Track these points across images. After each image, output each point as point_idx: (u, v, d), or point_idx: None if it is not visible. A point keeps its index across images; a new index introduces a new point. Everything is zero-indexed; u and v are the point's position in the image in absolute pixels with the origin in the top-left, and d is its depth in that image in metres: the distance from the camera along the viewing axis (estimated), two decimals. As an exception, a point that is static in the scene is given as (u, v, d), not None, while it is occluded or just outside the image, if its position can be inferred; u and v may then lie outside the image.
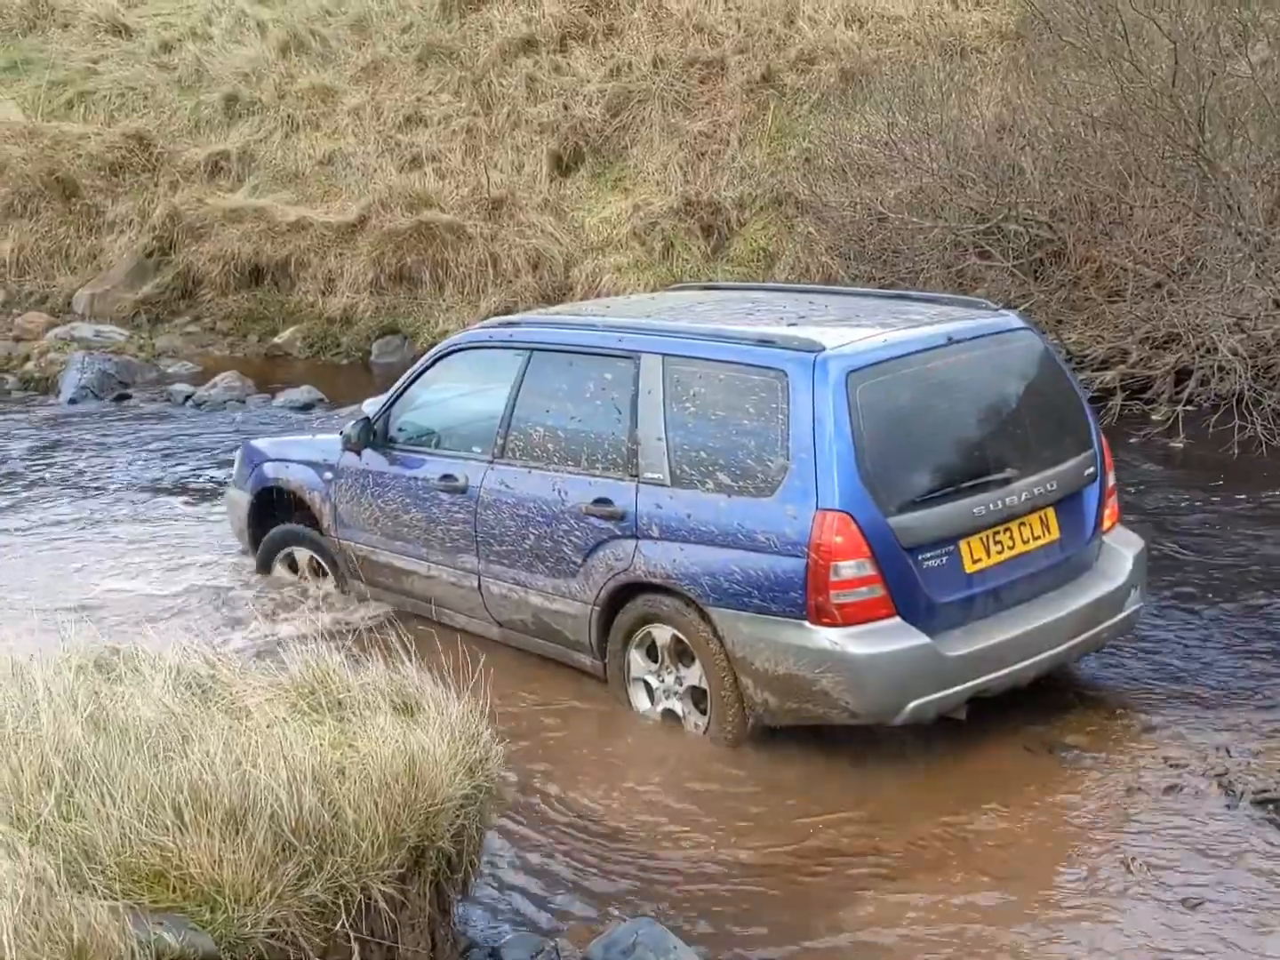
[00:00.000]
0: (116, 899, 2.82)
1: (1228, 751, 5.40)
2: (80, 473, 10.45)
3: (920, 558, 5.29)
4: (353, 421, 7.04)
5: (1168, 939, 4.32)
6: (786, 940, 4.44)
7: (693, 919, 4.55)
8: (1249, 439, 9.15)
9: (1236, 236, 10.13)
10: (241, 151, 16.38)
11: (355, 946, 3.07)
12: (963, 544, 5.40)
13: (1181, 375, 10.18)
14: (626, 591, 5.80)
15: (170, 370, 14.10)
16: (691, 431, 5.63)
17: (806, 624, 5.22)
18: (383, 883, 3.30)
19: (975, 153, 11.63)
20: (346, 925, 3.07)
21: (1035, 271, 11.37)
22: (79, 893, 2.78)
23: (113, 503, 9.57)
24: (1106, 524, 6.03)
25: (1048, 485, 5.67)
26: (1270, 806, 5.02)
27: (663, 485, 5.67)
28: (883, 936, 4.41)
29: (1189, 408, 9.84)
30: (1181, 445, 9.55)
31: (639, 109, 14.78)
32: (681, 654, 5.72)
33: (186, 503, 9.51)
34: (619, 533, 5.77)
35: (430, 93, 15.94)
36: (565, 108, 15.04)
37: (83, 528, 8.93)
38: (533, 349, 6.38)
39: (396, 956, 3.56)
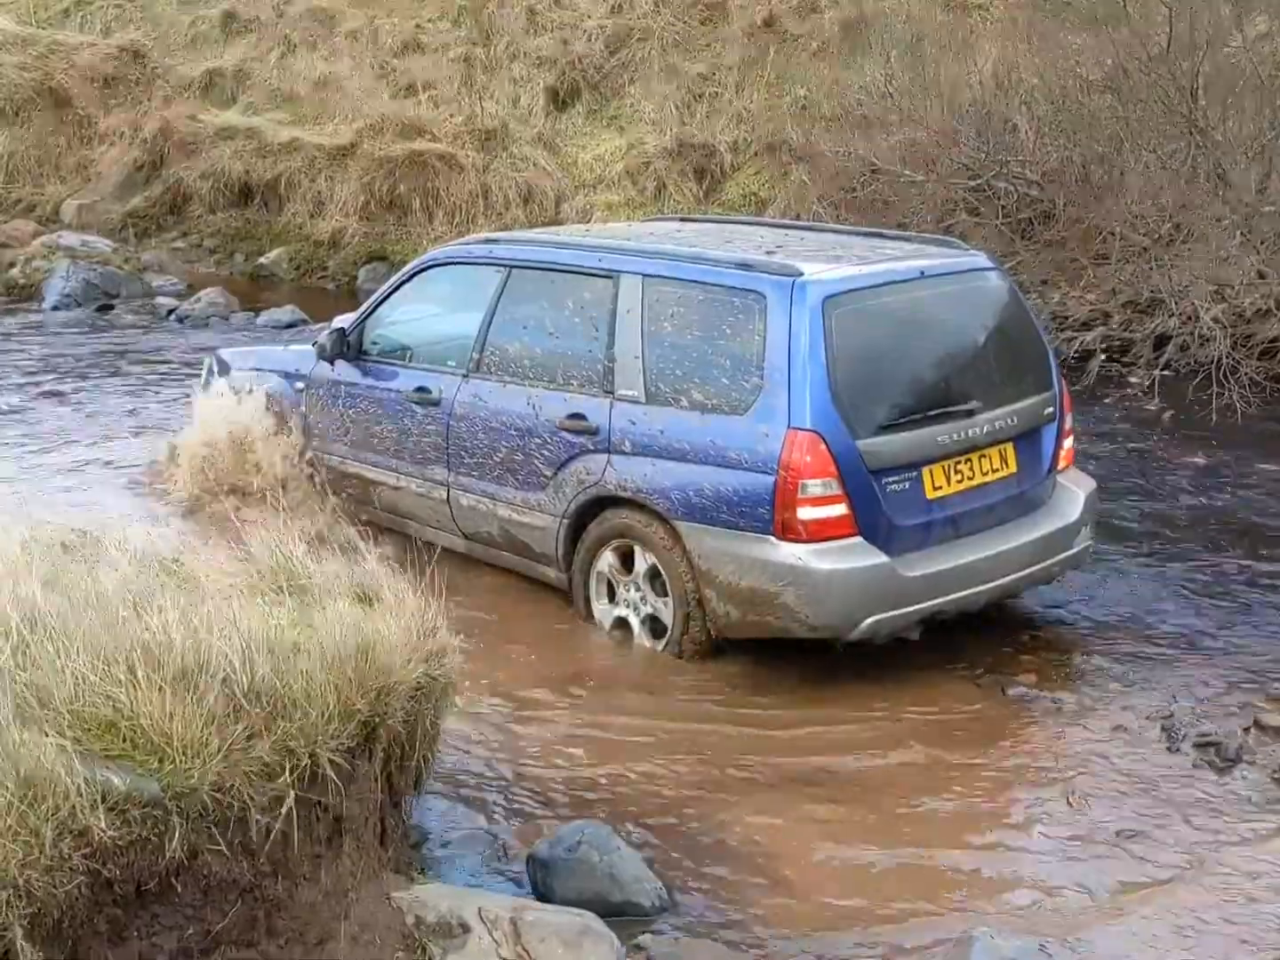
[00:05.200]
0: (67, 742, 2.88)
1: (1174, 696, 5.49)
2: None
3: (884, 481, 5.41)
4: (327, 332, 7.07)
5: (1097, 867, 4.42)
6: (726, 845, 4.52)
7: (637, 823, 4.62)
8: (1225, 405, 9.22)
9: (1224, 206, 10.17)
10: (236, 69, 16.28)
11: (292, 802, 3.13)
12: (925, 471, 5.52)
13: (1161, 340, 10.24)
14: (596, 505, 5.87)
15: (155, 284, 14.03)
16: (668, 350, 5.70)
17: (772, 539, 5.33)
18: (331, 751, 3.36)
19: (971, 109, 11.65)
20: (287, 788, 3.13)
21: (1023, 231, 11.41)
22: (29, 732, 2.84)
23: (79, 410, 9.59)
24: (1062, 463, 6.19)
25: (1008, 420, 5.80)
26: (1210, 750, 5.11)
27: (637, 402, 5.74)
28: (817, 854, 4.49)
29: (1166, 373, 9.90)
30: (1156, 408, 9.61)
31: (638, 47, 14.74)
32: (654, 577, 5.78)
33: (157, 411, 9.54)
34: (591, 447, 5.84)
35: (429, 20, 15.86)
36: (564, 42, 14.99)
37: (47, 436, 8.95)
38: (512, 266, 6.42)
39: (342, 830, 3.63)
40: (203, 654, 3.28)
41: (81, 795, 2.78)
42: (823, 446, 5.25)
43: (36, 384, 10.23)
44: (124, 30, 17.18)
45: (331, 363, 6.99)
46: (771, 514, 5.31)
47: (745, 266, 5.62)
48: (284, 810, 3.19)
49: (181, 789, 2.99)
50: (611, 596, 5.98)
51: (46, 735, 2.87)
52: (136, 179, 15.85)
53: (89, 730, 3.03)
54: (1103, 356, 10.26)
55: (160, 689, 3.11)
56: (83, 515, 5.70)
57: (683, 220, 8.07)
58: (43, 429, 8.99)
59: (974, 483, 5.71)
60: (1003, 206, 11.32)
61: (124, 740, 3.03)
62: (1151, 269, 10.37)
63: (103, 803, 2.85)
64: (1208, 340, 9.71)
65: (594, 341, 5.94)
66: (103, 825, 2.83)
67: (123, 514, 4.96)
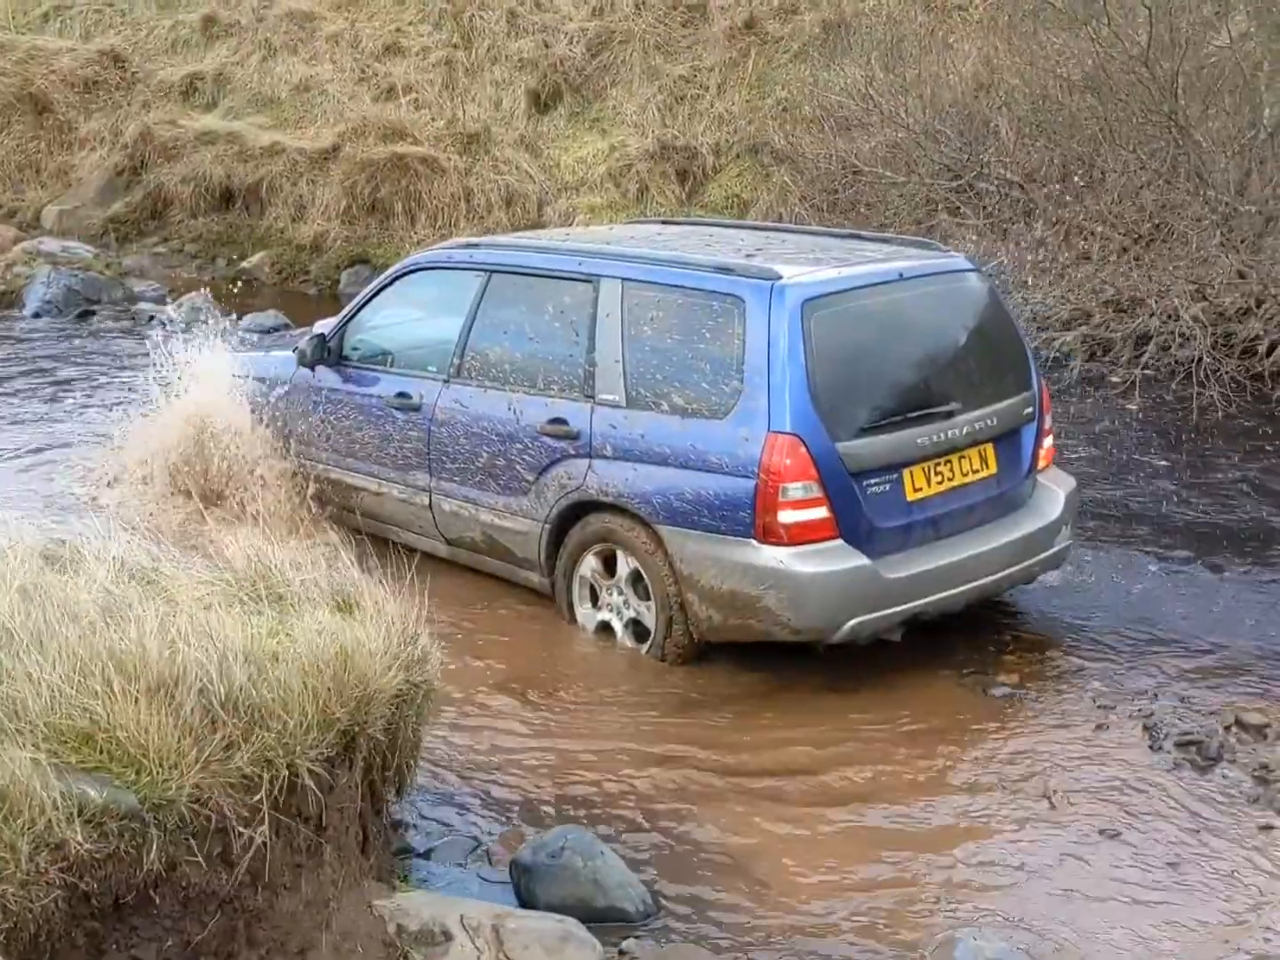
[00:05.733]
0: (43, 754, 2.86)
1: (1155, 695, 5.51)
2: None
3: (865, 483, 5.42)
4: (307, 337, 7.05)
5: (1080, 867, 4.43)
6: (710, 851, 4.52)
7: (621, 829, 4.62)
8: (1206, 405, 9.25)
9: (1204, 205, 10.20)
10: (217, 74, 16.26)
11: (267, 815, 3.11)
12: (905, 473, 5.53)
13: (1142, 340, 10.25)
14: (578, 510, 5.87)
15: (136, 289, 13.97)
16: (648, 355, 5.70)
17: (754, 542, 5.33)
18: (310, 761, 3.34)
19: (951, 109, 11.68)
20: (265, 799, 3.11)
21: (1004, 231, 11.42)
22: (3, 745, 2.82)
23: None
24: (1041, 463, 6.21)
25: (988, 421, 5.82)
26: (1192, 749, 5.13)
27: (618, 407, 5.73)
28: (801, 860, 4.48)
29: (1147, 372, 9.92)
30: (1137, 407, 9.62)
31: (620, 50, 14.75)
32: (636, 581, 5.79)
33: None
34: (573, 452, 5.83)
35: (410, 23, 15.85)
36: (546, 45, 14.98)
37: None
38: (492, 271, 6.41)
39: (323, 839, 3.61)
40: (179, 664, 3.26)
41: (58, 808, 2.77)
42: (803, 449, 5.25)
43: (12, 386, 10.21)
44: (104, 35, 17.16)
45: (312, 368, 6.99)
46: (752, 517, 5.31)
47: (724, 270, 5.62)
48: (262, 821, 3.17)
49: (159, 801, 2.98)
50: (594, 601, 5.97)
51: (22, 748, 2.86)
52: (117, 184, 15.81)
53: (65, 743, 3.01)
54: (1083, 356, 10.28)
55: (136, 700, 3.10)
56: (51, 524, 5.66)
57: (664, 223, 8.10)
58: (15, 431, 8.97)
59: (954, 484, 5.72)
60: (984, 206, 11.34)
61: (100, 752, 3.02)
62: (1132, 268, 10.40)
63: (79, 816, 2.84)
64: (1188, 339, 9.74)
65: (574, 346, 5.94)
66: (80, 838, 2.82)
67: (88, 523, 4.94)
